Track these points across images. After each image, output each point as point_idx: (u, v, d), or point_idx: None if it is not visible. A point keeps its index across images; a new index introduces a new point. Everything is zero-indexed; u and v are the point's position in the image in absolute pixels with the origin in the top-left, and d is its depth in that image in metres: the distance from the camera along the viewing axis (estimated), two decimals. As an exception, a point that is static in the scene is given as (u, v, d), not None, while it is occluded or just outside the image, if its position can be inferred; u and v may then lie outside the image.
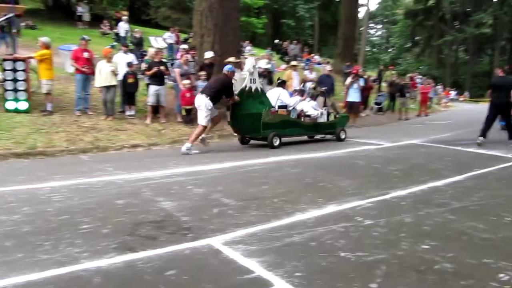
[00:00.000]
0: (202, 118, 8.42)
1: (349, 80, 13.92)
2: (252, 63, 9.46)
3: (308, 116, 10.20)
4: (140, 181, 5.69)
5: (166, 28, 23.28)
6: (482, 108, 15.08)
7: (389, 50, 70.90)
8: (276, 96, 9.72)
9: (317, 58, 30.20)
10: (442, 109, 27.85)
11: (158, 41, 21.98)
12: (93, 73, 10.27)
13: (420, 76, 31.49)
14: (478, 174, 6.68)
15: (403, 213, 4.45)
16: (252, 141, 9.60)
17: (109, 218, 4.16)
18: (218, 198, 4.88)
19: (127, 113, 10.53)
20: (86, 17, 24.31)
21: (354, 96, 13.72)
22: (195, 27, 12.62)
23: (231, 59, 11.08)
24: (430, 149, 9.22)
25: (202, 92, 8.57)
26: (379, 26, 75.92)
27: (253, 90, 9.10)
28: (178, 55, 11.82)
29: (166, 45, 19.64)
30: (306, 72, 15.55)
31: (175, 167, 6.62)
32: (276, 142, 9.03)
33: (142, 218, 4.17)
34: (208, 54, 11.31)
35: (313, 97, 10.97)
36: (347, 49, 24.65)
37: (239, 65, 11.86)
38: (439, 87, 35.02)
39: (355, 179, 5.92)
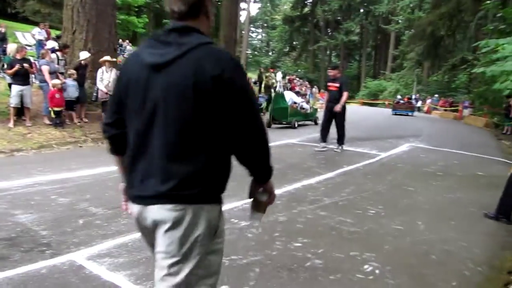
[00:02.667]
0: None
1: None
2: (281, 75, 18.04)
3: (303, 108, 15.80)
4: (-6, 192, 4.99)
5: (36, 24, 21.32)
6: (352, 108, 16.97)
7: (269, 54, 73.58)
8: (289, 96, 15.67)
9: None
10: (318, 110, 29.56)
11: (26, 37, 20.03)
12: None
13: (298, 79, 33.11)
14: (347, 171, 7.12)
15: (277, 213, 4.50)
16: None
17: (-51, 238, 3.55)
18: (85, 207, 4.46)
19: (-15, 115, 9.31)
20: None
21: None
22: (65, 23, 11.63)
23: (107, 58, 10.42)
24: (306, 148, 9.64)
25: None
26: (260, 30, 78.46)
27: (280, 92, 16.16)
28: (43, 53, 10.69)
29: (35, 42, 17.96)
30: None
31: (40, 175, 5.95)
32: (296, 125, 14.16)
33: (-8, 235, 3.62)
34: (84, 55, 10.50)
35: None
36: (228, 51, 24.94)
37: (114, 64, 11.23)
38: (315, 89, 37.21)
39: (232, 181, 5.84)
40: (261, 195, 1.82)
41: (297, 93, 18.60)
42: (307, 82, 32.73)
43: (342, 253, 3.54)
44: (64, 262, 3.14)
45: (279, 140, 10.72)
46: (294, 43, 64.65)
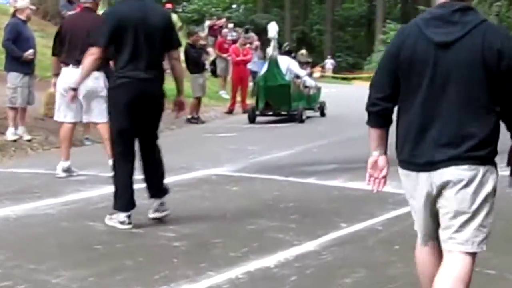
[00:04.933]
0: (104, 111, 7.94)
1: None
2: (276, 28, 16.68)
3: (306, 87, 16.64)
4: None
5: None
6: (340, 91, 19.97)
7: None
8: (285, 65, 15.99)
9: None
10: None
11: None
12: None
13: (231, 26, 31.77)
14: (348, 236, 6.88)
15: None
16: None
17: None
18: None
19: None
20: None
21: None
22: None
23: None
24: (253, 186, 9.27)
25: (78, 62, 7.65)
26: None
27: (274, 58, 16.05)
28: None
29: None
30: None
31: None
32: (304, 116, 15.03)
33: None
34: None
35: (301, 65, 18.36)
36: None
37: None
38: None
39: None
40: None
41: (294, 59, 19.56)
42: (253, 35, 30.89)
43: None
44: None
45: (192, 169, 10.15)
46: None
